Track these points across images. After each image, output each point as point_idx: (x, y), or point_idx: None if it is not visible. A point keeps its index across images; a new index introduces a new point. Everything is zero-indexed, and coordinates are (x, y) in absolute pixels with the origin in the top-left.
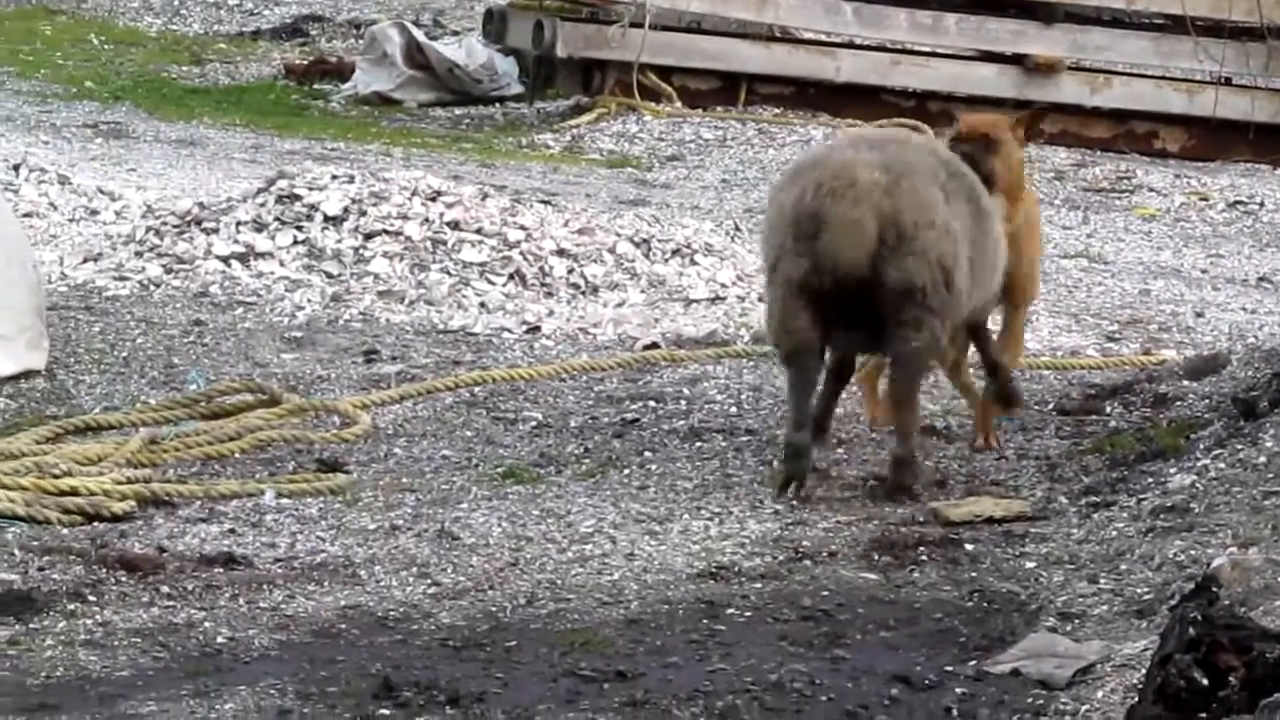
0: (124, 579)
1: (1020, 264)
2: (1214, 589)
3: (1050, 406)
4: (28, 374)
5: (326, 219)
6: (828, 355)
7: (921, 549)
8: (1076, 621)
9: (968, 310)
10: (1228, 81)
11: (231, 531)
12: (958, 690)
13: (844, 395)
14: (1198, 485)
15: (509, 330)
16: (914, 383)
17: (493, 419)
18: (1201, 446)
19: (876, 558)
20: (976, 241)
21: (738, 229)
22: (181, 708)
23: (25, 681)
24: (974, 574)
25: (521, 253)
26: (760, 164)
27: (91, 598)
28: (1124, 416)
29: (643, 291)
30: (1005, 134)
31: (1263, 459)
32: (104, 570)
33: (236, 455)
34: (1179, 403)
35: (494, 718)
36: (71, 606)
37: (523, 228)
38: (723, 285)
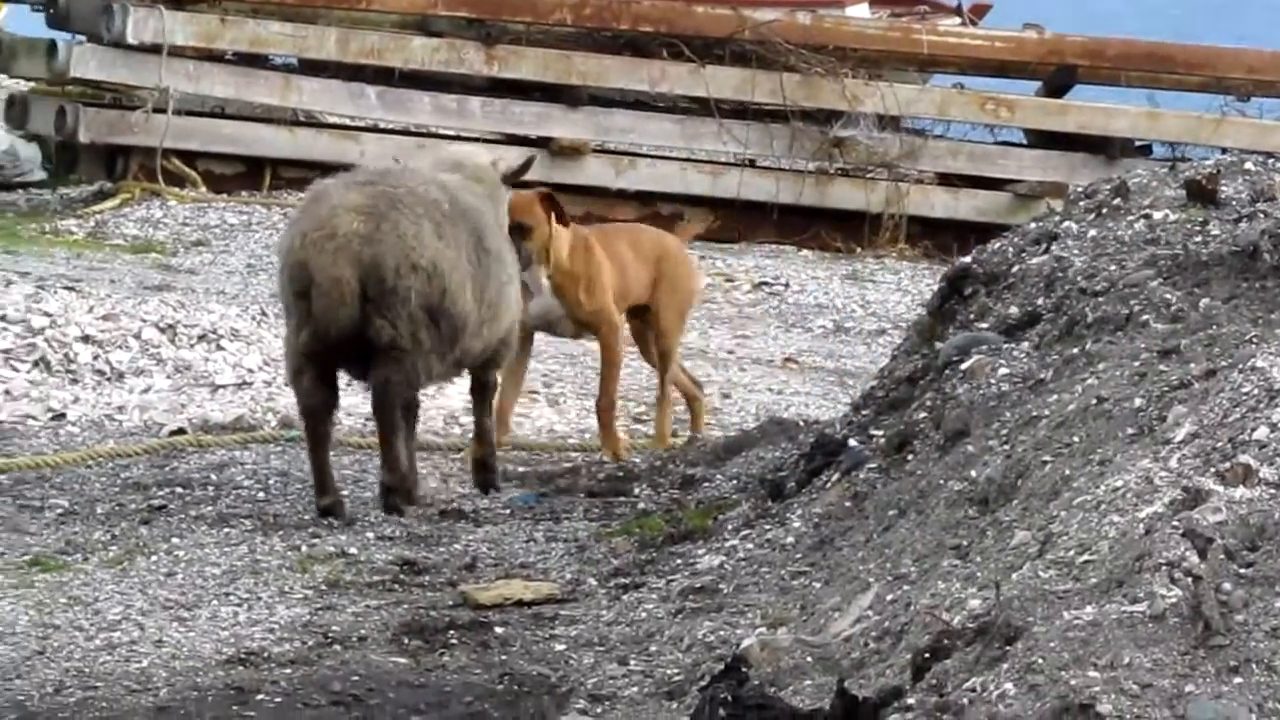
0: None
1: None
2: (743, 669)
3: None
4: None
5: None
6: None
7: (451, 632)
8: (607, 704)
9: (481, 336)
10: (752, 163)
11: None
12: None
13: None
14: (726, 566)
15: (34, 417)
16: (391, 413)
17: (18, 506)
18: (730, 527)
19: (406, 641)
20: (480, 267)
21: (264, 314)
22: None
23: None
24: (504, 657)
25: (46, 339)
26: None
27: None
28: (652, 498)
29: (169, 377)
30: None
31: (790, 539)
32: None
33: None
34: (707, 484)
35: None
36: None
37: (47, 314)
38: (249, 370)
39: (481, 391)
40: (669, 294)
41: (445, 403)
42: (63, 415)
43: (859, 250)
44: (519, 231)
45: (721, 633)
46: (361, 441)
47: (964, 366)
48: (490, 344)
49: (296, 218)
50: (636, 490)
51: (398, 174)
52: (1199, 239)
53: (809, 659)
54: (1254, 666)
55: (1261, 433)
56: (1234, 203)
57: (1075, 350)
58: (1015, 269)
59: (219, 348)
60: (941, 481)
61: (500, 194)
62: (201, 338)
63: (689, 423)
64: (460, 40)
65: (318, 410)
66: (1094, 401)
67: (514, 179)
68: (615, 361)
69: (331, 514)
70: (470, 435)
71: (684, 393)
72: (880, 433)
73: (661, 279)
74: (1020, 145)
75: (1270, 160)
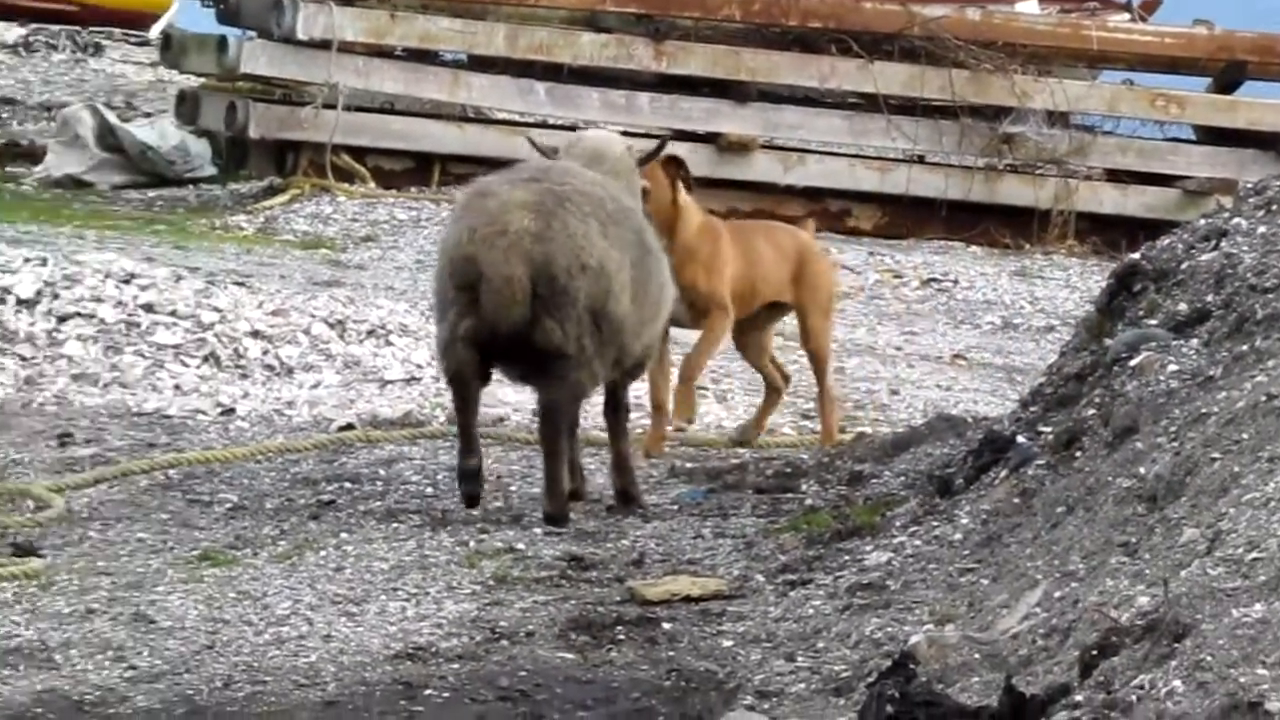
0: None
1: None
2: (911, 666)
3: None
4: None
5: (19, 302)
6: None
7: (619, 628)
8: (774, 700)
9: (641, 338)
10: (920, 160)
11: None
12: None
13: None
14: (894, 562)
15: (204, 412)
16: (558, 438)
17: (188, 501)
18: (898, 524)
19: (574, 637)
20: (641, 268)
21: (433, 309)
22: None
23: None
24: (671, 653)
25: (216, 334)
26: None
27: None
28: (820, 494)
29: (338, 372)
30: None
31: (958, 536)
32: None
33: None
34: (875, 480)
35: None
36: None
37: (217, 309)
38: (418, 366)
39: (615, 411)
40: (811, 292)
41: None
42: (232, 410)
43: (1027, 246)
44: None
45: (889, 629)
46: (529, 438)
47: (1133, 363)
48: (648, 345)
49: (460, 213)
50: (804, 486)
51: (560, 171)
52: None
53: (976, 656)
54: None
55: None
56: None
57: (1245, 347)
58: (1184, 266)
59: (388, 343)
60: (1110, 479)
61: (636, 181)
62: (370, 333)
63: (756, 416)
64: (629, 36)
65: (468, 376)
66: (1264, 398)
67: (646, 164)
68: (716, 340)
69: (474, 476)
70: (642, 425)
71: (768, 381)
72: (1049, 429)
73: (802, 278)
74: (1189, 141)
75: None
